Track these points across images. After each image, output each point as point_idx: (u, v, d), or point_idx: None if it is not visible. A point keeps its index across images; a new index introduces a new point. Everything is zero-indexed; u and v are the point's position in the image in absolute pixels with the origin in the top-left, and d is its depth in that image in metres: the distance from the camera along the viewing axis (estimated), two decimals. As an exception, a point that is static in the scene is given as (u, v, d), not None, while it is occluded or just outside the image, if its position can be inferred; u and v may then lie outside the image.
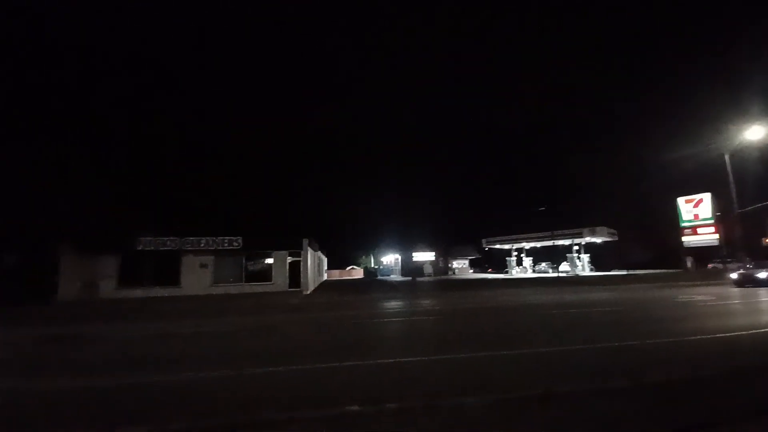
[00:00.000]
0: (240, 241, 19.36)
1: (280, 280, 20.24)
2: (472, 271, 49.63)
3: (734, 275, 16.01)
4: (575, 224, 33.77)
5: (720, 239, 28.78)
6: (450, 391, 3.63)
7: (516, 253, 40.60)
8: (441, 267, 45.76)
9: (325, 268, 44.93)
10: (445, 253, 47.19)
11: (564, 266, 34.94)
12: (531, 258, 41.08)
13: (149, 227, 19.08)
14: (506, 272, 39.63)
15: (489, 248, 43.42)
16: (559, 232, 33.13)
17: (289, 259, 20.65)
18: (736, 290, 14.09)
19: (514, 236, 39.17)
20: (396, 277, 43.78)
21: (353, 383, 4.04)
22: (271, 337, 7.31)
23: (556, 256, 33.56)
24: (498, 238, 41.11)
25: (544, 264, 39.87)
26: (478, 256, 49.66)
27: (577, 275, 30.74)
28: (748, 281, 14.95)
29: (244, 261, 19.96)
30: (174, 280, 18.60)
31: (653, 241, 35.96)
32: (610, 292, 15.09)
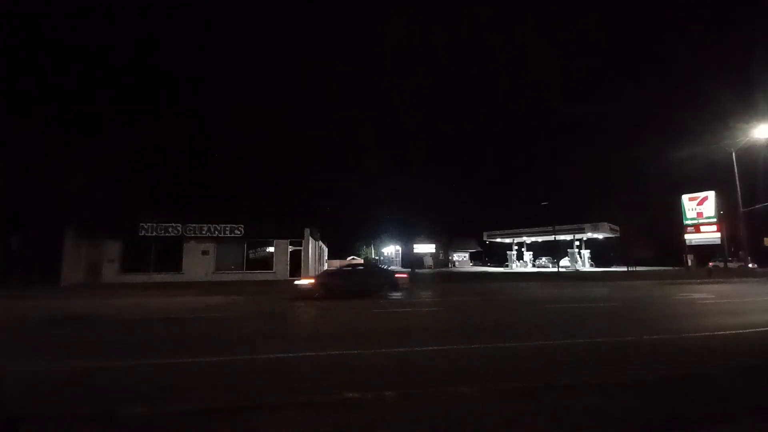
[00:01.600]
0: (242, 228, 19.45)
1: (281, 269, 20.38)
2: (472, 264, 49.78)
3: None
4: (577, 220, 33.69)
5: (722, 238, 28.73)
6: (451, 379, 3.67)
7: (517, 248, 40.62)
8: (441, 259, 45.91)
9: (326, 258, 45.13)
10: (446, 245, 47.30)
11: (564, 261, 34.97)
12: (531, 253, 41.12)
13: (152, 213, 19.18)
14: (506, 266, 39.72)
15: (490, 242, 43.48)
16: (561, 227, 33.01)
17: (291, 248, 20.75)
18: (734, 288, 14.08)
19: (515, 230, 39.15)
20: (396, 268, 43.97)
21: (356, 371, 4.09)
22: (271, 324, 7.39)
23: (556, 251, 33.54)
24: (499, 232, 41.11)
25: (544, 259, 39.92)
26: (478, 249, 49.75)
27: (578, 271, 30.79)
28: None
29: (245, 249, 20.08)
30: (176, 266, 18.77)
31: (655, 238, 35.93)
32: (610, 288, 15.12)
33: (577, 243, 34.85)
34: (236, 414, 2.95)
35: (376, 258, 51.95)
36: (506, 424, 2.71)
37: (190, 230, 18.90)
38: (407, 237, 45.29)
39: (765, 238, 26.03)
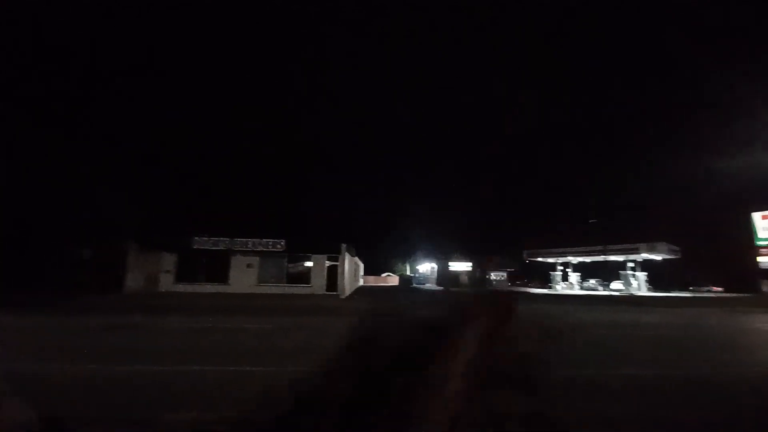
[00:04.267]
0: (283, 243, 20.29)
1: (318, 284, 20.85)
2: (510, 284, 47.61)
3: None
4: (630, 239, 31.12)
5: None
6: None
7: (561, 268, 38.30)
8: (478, 278, 44.41)
9: (362, 273, 45.48)
10: (483, 264, 45.76)
11: (616, 284, 32.28)
12: (579, 274, 38.53)
13: (204, 228, 20.68)
14: (549, 287, 37.48)
15: (530, 261, 41.44)
16: (613, 246, 30.66)
17: (328, 263, 21.23)
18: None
19: (559, 249, 37.00)
20: (431, 286, 43.16)
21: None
22: (309, 335, 7.58)
23: (605, 272, 31.13)
24: (541, 251, 39.08)
25: (593, 281, 37.18)
26: (517, 269, 47.58)
27: (632, 294, 28.29)
28: None
29: (285, 263, 20.85)
30: (223, 277, 19.89)
31: (721, 260, 32.22)
32: (670, 314, 13.72)
33: (630, 264, 32.11)
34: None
35: (411, 275, 51.39)
36: None
37: (237, 244, 20.06)
38: (443, 255, 44.54)
39: None
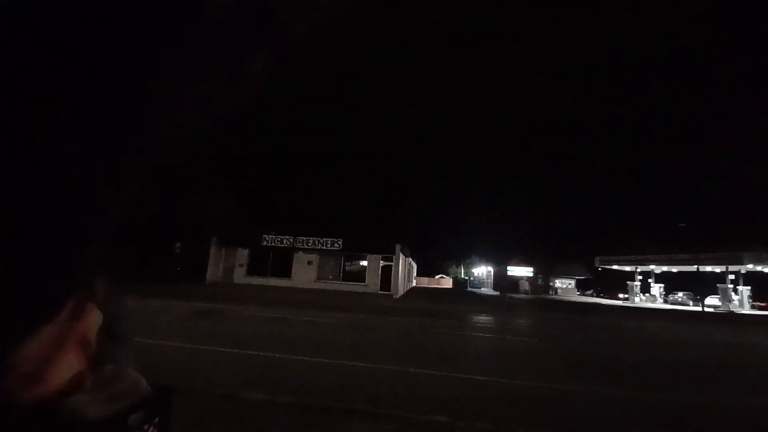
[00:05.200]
0: (340, 242, 21.30)
1: (373, 282, 21.45)
2: (579, 293, 43.60)
3: None
4: (730, 246, 26.38)
5: None
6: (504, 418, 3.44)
7: (641, 277, 33.97)
8: (540, 285, 41.47)
9: (415, 274, 45.46)
10: (547, 269, 42.59)
11: (711, 299, 27.58)
12: (662, 285, 33.82)
13: (271, 226, 22.64)
14: (626, 299, 33.54)
15: (602, 268, 37.47)
16: (708, 255, 26.28)
17: (382, 263, 21.74)
18: None
19: (639, 256, 32.75)
20: (487, 290, 41.47)
21: (432, 390, 4.16)
22: (366, 334, 7.94)
23: (696, 285, 26.84)
24: (616, 258, 35.04)
25: (681, 294, 32.35)
26: (587, 276, 43.39)
27: (732, 312, 24.09)
28: None
29: (342, 261, 21.85)
30: (286, 272, 21.54)
31: None
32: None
33: (731, 276, 27.25)
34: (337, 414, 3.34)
35: (466, 278, 49.92)
36: None
37: (299, 242, 21.57)
38: (501, 258, 42.47)
39: None
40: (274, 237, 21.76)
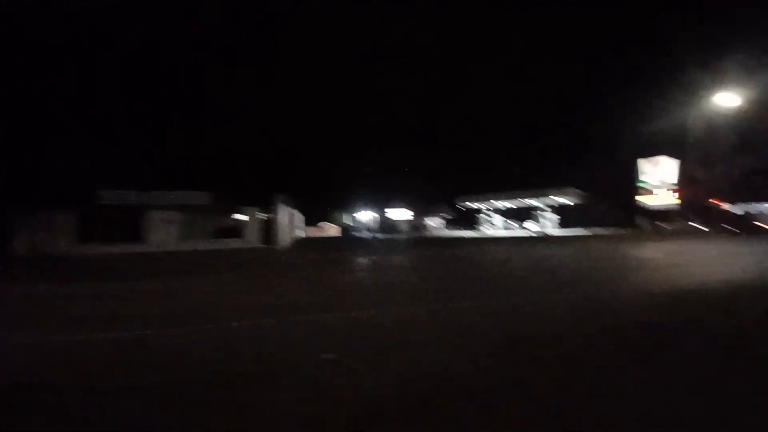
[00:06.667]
0: (209, 196, 18.85)
1: (253, 236, 20.24)
2: (447, 229, 51.29)
3: None
4: (545, 185, 35.16)
5: (675, 201, 30.48)
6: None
7: (488, 213, 42.13)
8: (417, 225, 46.98)
9: (301, 224, 44.97)
10: (421, 211, 48.18)
11: (528, 224, 36.81)
12: (503, 217, 42.76)
13: (110, 181, 18.18)
14: (478, 230, 41.26)
15: (462, 207, 44.74)
16: (529, 192, 34.46)
17: (262, 216, 20.51)
18: (686, 247, 15.11)
19: (485, 195, 40.61)
20: (369, 234, 44.69)
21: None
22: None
23: (527, 215, 35.24)
24: (471, 197, 42.39)
25: (513, 222, 41.79)
26: (453, 215, 51.07)
27: (545, 234, 32.44)
28: None
29: (213, 216, 19.64)
30: (138, 235, 18.17)
31: (617, 203, 38.07)
32: (569, 248, 16.16)
33: (547, 208, 36.41)
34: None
35: (352, 224, 52.32)
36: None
37: (153, 198, 18.15)
38: (383, 203, 45.77)
39: (709, 200, 28.22)
40: (114, 193, 17.65)
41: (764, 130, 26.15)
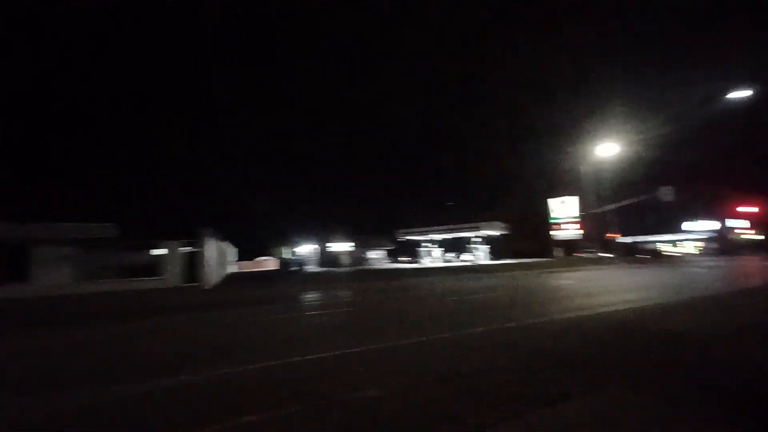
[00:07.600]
0: (115, 228, 16.32)
1: (172, 275, 17.88)
2: (388, 261, 51.57)
3: None
4: (478, 219, 38.40)
5: (581, 233, 35.92)
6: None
7: (426, 244, 43.68)
8: (358, 257, 46.51)
9: (233, 259, 41.55)
10: (363, 244, 48.06)
11: (465, 255, 39.14)
12: (443, 249, 44.70)
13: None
14: (417, 261, 42.23)
15: (402, 239, 45.79)
16: (462, 225, 37.36)
17: (185, 250, 18.34)
18: (593, 274, 17.40)
19: (424, 228, 42.45)
20: (313, 267, 42.91)
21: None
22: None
23: (462, 246, 37.44)
24: (410, 230, 43.82)
25: (450, 254, 43.86)
26: (394, 246, 51.80)
27: (479, 264, 34.45)
28: None
29: (121, 252, 17.00)
30: (20, 275, 14.84)
31: (534, 234, 43.23)
32: (498, 278, 17.20)
33: (479, 239, 39.19)
34: None
35: (291, 258, 49.84)
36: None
37: (40, 230, 15.13)
38: (323, 236, 44.81)
39: (607, 234, 33.45)
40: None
41: (642, 174, 32.61)
